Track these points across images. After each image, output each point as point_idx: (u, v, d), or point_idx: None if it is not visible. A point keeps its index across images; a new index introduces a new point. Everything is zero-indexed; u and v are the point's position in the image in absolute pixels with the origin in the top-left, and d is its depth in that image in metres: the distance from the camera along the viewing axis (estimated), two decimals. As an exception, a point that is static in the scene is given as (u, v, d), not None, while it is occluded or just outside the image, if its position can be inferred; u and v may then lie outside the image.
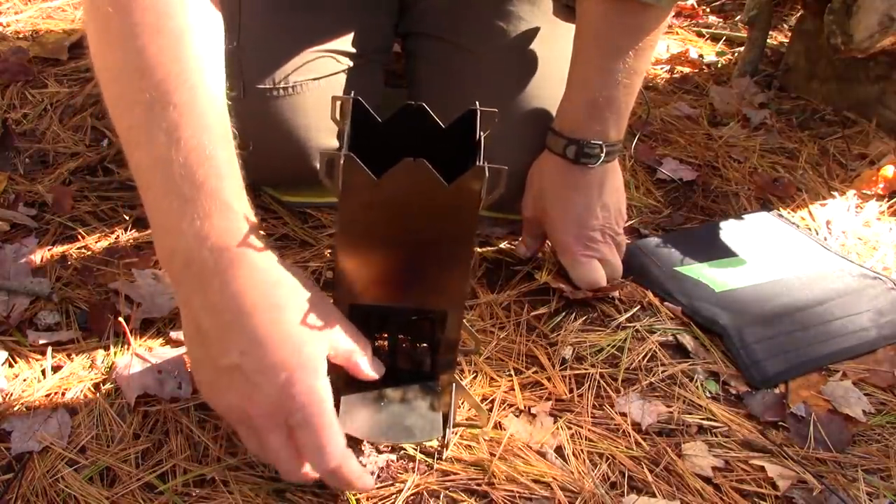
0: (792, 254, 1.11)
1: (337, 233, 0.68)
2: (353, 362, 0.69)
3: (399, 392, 0.75)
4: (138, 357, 0.83)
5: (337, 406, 0.68)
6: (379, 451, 0.76)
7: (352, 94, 0.70)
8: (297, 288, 0.66)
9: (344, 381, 0.72)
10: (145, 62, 0.63)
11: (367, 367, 0.70)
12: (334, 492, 0.73)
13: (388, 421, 0.73)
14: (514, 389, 0.86)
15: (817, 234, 1.18)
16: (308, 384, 0.63)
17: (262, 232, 0.66)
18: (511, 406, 0.84)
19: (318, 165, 0.65)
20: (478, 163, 0.65)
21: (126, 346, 0.85)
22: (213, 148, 0.64)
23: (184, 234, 0.63)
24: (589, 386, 0.88)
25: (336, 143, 1.04)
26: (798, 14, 1.65)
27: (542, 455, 0.79)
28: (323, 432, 0.64)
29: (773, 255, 1.11)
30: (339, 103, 0.69)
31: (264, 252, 0.65)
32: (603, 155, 0.97)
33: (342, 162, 0.63)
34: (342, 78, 1.07)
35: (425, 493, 0.74)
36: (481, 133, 0.70)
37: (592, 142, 0.96)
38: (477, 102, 0.72)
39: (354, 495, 0.73)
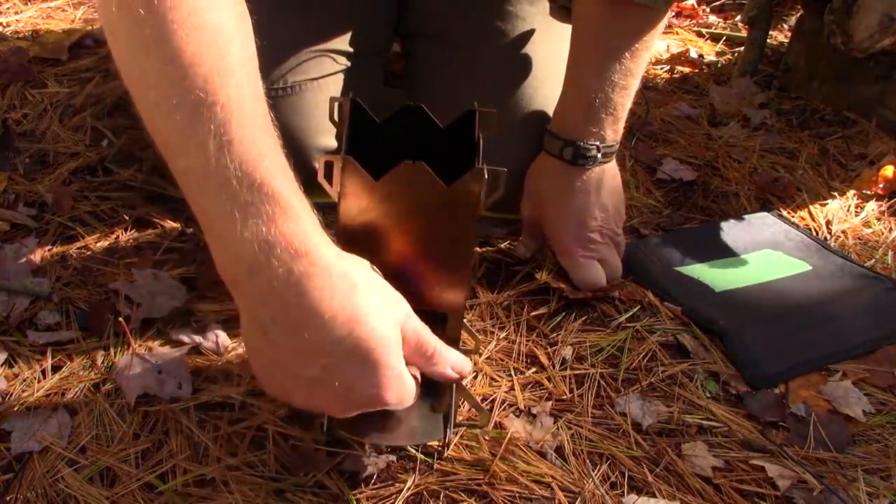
0: (792, 254, 1.11)
1: (336, 235, 0.68)
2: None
3: None
4: (138, 357, 0.83)
5: None
6: (379, 452, 0.76)
7: (350, 95, 0.70)
8: (371, 286, 0.63)
9: None
10: (185, 61, 0.58)
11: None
12: (334, 491, 0.73)
13: (389, 423, 0.73)
14: (514, 389, 0.86)
15: (817, 234, 1.18)
16: (398, 392, 0.64)
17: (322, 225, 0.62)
18: (511, 406, 0.84)
19: (317, 166, 0.65)
20: (477, 164, 0.64)
21: (126, 346, 0.85)
22: (266, 147, 0.60)
23: (247, 241, 0.58)
24: (589, 386, 0.88)
25: (335, 144, 1.04)
26: (798, 14, 1.65)
27: (542, 455, 0.79)
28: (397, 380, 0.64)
29: (773, 255, 1.11)
30: (337, 104, 0.70)
31: (335, 253, 0.61)
32: (599, 156, 0.97)
33: (341, 165, 0.63)
34: (340, 78, 1.07)
35: (425, 493, 0.74)
36: (480, 134, 0.70)
37: (589, 143, 0.96)
38: (476, 103, 0.71)
39: (354, 495, 0.73)
